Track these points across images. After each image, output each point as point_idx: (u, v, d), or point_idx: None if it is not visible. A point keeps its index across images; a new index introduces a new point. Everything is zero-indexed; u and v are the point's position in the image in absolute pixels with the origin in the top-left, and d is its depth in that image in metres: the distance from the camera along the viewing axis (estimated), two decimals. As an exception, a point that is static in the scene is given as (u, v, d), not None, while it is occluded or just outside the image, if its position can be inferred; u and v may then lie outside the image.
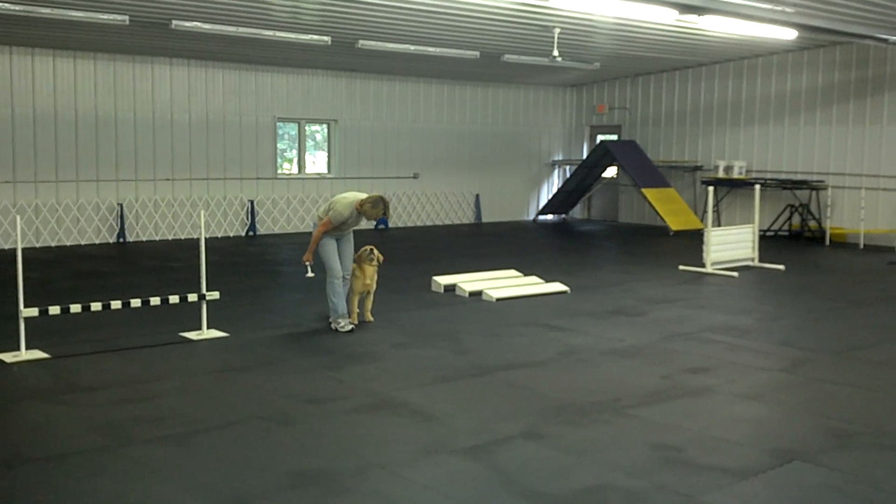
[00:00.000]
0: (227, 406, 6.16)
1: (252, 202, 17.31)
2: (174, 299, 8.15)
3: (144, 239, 16.11)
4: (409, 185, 19.42)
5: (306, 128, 18.53)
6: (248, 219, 17.32)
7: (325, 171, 18.72)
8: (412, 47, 14.93)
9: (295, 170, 18.49)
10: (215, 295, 8.35)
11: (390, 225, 18.95)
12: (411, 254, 14.92)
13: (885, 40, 13.69)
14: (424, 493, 4.67)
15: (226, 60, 16.64)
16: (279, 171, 18.02)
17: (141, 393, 6.43)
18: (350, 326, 8.55)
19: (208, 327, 8.31)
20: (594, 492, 4.70)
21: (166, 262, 13.40)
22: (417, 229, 18.94)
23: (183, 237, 16.38)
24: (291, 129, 18.39)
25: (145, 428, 5.65)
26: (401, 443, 5.44)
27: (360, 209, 8.37)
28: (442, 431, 5.67)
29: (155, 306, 8.06)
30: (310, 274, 8.86)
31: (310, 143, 18.94)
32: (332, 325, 8.55)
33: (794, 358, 7.73)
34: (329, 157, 18.71)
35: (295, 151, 18.56)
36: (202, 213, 8.66)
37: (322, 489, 4.68)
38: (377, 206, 8.37)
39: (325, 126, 18.66)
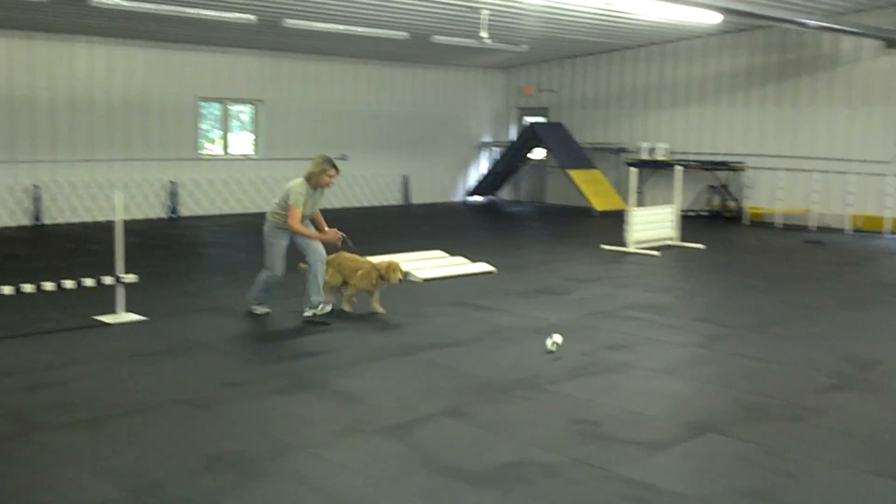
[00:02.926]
0: (143, 390, 6.03)
1: (174, 183, 16.95)
2: (89, 282, 7.93)
3: (62, 221, 15.63)
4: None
5: (231, 108, 18.19)
6: (169, 200, 16.95)
7: (251, 152, 18.41)
8: (340, 27, 14.75)
9: (219, 151, 18.15)
10: (132, 278, 8.14)
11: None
12: (338, 235, 14.78)
13: (804, 24, 14.03)
14: (343, 473, 4.64)
15: (147, 39, 16.19)
16: (202, 152, 17.66)
17: (52, 378, 6.25)
18: (264, 310, 8.34)
19: (125, 311, 8.11)
20: (513, 467, 4.73)
21: (84, 245, 13.04)
22: (345, 210, 18.78)
23: (102, 220, 15.93)
24: (215, 109, 18.03)
25: (56, 414, 5.49)
26: (320, 424, 5.40)
27: (308, 178, 7.99)
28: (363, 411, 5.64)
29: (70, 290, 7.83)
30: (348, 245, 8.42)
31: (235, 123, 18.60)
32: (311, 314, 8.08)
33: (710, 334, 7.91)
34: (255, 137, 18.40)
35: (219, 132, 18.20)
36: (118, 193, 8.41)
37: (238, 472, 4.62)
38: (320, 164, 7.98)
39: (250, 106, 18.33)
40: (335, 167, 8.07)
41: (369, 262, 8.55)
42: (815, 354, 7.23)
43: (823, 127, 16.66)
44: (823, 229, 16.16)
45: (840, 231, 15.95)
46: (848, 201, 15.99)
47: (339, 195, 19.34)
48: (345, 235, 8.24)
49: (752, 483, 4.59)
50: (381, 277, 8.32)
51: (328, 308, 8.15)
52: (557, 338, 7.14)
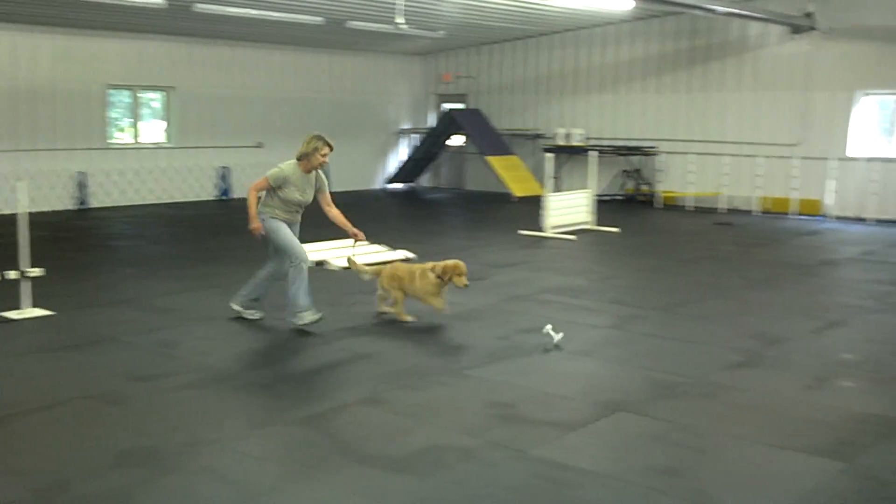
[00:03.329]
0: (50, 387, 5.84)
1: (82, 174, 16.44)
2: (-8, 277, 7.64)
3: (-36, 215, 15.01)
4: (253, 155, 18.91)
5: (141, 95, 17.71)
6: (78, 191, 16.44)
7: (163, 140, 17.97)
8: (253, 12, 14.48)
9: (130, 139, 17.66)
10: (38, 271, 7.88)
11: (233, 195, 18.47)
12: (255, 225, 14.58)
13: (713, 10, 14.36)
14: (258, 465, 4.59)
15: (52, 25, 15.61)
16: (111, 141, 17.17)
17: (-47, 377, 6.01)
18: (315, 317, 7.27)
19: (32, 306, 7.84)
20: (430, 452, 4.75)
21: (-12, 239, 12.54)
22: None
23: (7, 212, 15.35)
24: (125, 96, 17.53)
25: (-44, 414, 5.28)
26: (235, 416, 5.32)
27: (300, 158, 7.33)
28: (278, 402, 5.58)
29: (-30, 285, 7.54)
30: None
31: (146, 111, 18.12)
32: (294, 322, 7.31)
33: (624, 315, 8.07)
34: (167, 125, 17.97)
35: (129, 120, 17.70)
36: (21, 184, 8.09)
37: (150, 468, 4.52)
38: (310, 142, 7.29)
39: (161, 93, 17.88)
40: (328, 144, 7.34)
41: (420, 266, 7.75)
42: (725, 333, 7.45)
43: (732, 111, 17.12)
44: (733, 211, 16.63)
45: (749, 213, 16.44)
46: (756, 184, 16.48)
47: (256, 184, 19.03)
48: (259, 232, 7.38)
49: (663, 459, 4.70)
50: (440, 278, 7.52)
51: (315, 317, 7.29)
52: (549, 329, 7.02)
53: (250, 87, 18.87)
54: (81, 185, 16.43)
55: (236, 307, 7.80)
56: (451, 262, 7.62)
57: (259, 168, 18.88)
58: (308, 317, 7.27)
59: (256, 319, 7.73)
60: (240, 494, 4.23)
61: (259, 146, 19.00)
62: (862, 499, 4.23)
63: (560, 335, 6.96)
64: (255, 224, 7.35)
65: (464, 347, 6.94)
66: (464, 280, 7.53)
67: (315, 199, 7.71)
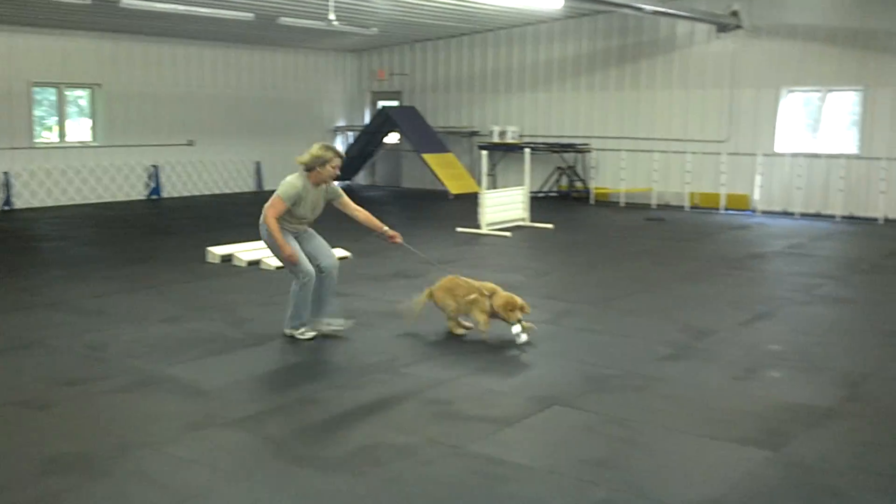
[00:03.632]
0: (-27, 394, 5.67)
1: (6, 174, 15.96)
2: None
3: None
4: (183, 153, 18.62)
5: (67, 93, 17.26)
6: (2, 192, 15.95)
7: (90, 139, 17.55)
8: (181, 7, 14.22)
9: (55, 138, 17.20)
10: (-41, 275, 7.64)
11: (163, 195, 18.15)
12: (186, 224, 14.37)
13: (641, 9, 14.60)
14: (190, 468, 4.52)
15: (-31, 19, 15.16)
16: (37, 140, 16.70)
17: None
18: (311, 334, 6.98)
19: (-47, 310, 7.61)
20: (366, 451, 4.74)
21: None
22: (193, 198, 18.25)
23: (-73, 214, 14.87)
24: (50, 94, 17.07)
25: None
26: (167, 419, 5.23)
27: (308, 170, 6.79)
28: (212, 405, 5.51)
29: None
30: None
31: (73, 109, 17.67)
32: (290, 332, 6.99)
33: (558, 310, 8.16)
34: (93, 124, 17.55)
35: (55, 119, 17.25)
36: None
37: (79, 473, 4.42)
38: (319, 153, 6.72)
39: (88, 91, 17.45)
40: (339, 155, 6.81)
41: (478, 285, 7.12)
42: (656, 326, 7.59)
43: (662, 109, 17.43)
44: (664, 207, 16.94)
45: (680, 208, 16.77)
46: (686, 179, 16.81)
47: (188, 182, 18.77)
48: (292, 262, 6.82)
49: (595, 451, 4.78)
50: (494, 313, 6.92)
51: (310, 335, 6.98)
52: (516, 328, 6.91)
53: (180, 85, 18.56)
54: (6, 186, 15.95)
55: (320, 328, 7.07)
56: (504, 296, 6.93)
57: (190, 167, 18.65)
58: (302, 332, 6.96)
59: (342, 329, 7.12)
60: (172, 498, 4.16)
61: (190, 144, 18.71)
62: (789, 486, 4.35)
63: (524, 336, 6.89)
64: (288, 251, 6.71)
65: (400, 345, 6.93)
66: (517, 315, 6.83)
67: (334, 207, 7.17)
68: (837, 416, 5.36)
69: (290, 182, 6.74)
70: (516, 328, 6.89)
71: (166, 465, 4.55)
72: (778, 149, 16.19)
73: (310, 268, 6.87)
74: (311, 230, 7.16)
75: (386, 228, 7.14)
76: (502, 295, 6.94)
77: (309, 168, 6.79)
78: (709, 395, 5.75)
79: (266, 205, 6.75)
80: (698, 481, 4.40)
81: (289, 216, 6.85)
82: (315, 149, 6.79)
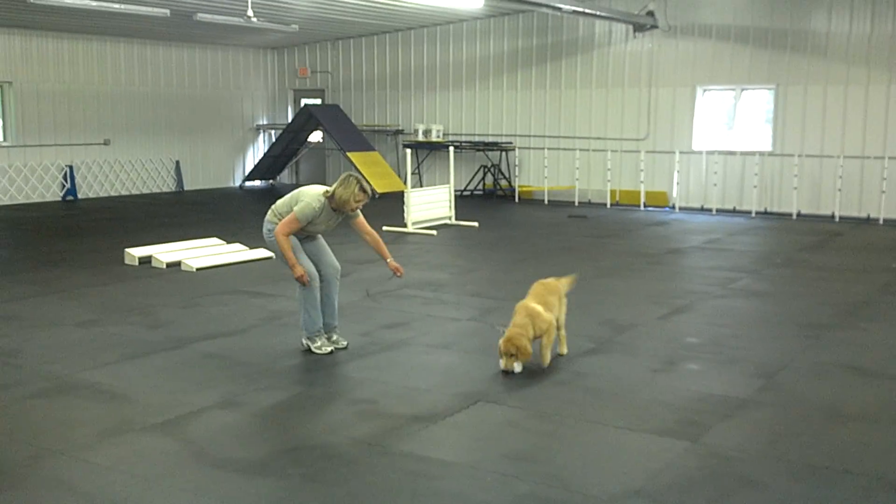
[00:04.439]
0: None
1: (-89, 175, 15.32)
2: None
3: None
4: (99, 153, 18.14)
5: (-25, 91, 16.67)
6: None
7: (0, 138, 16.95)
8: (92, 3, 13.80)
9: (-37, 138, 16.60)
10: None
11: (79, 196, 17.65)
12: (103, 225, 14.00)
13: (559, 9, 14.77)
14: (108, 475, 4.41)
15: None
16: (-56, 140, 16.09)
17: None
18: (329, 348, 6.68)
19: None
20: (290, 453, 4.69)
21: None
22: (110, 199, 17.80)
23: None
24: (-43, 92, 16.45)
25: None
26: (83, 425, 5.09)
27: (330, 197, 6.50)
28: (130, 410, 5.38)
29: None
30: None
31: (-19, 108, 17.06)
32: (306, 344, 6.71)
33: (482, 307, 8.22)
34: (3, 123, 16.95)
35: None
36: None
37: (-11, 484, 4.27)
38: (348, 186, 6.42)
39: (-3, 89, 16.88)
40: (365, 191, 6.52)
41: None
42: (578, 321, 7.66)
43: (582, 108, 17.69)
44: (586, 204, 17.19)
45: (602, 205, 17.04)
46: (607, 177, 17.09)
47: (105, 183, 18.29)
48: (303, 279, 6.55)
49: (519, 446, 4.82)
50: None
51: (328, 349, 6.69)
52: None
53: (95, 82, 18.06)
54: None
55: (324, 344, 6.76)
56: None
57: (106, 167, 18.18)
58: (318, 346, 6.68)
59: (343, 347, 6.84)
60: (89, 507, 4.06)
61: (106, 143, 18.24)
62: (707, 475, 4.46)
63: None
64: (299, 271, 6.48)
65: (324, 345, 6.88)
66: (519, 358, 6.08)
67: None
68: (753, 407, 5.52)
69: (309, 203, 6.47)
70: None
71: (83, 473, 4.42)
72: (695, 146, 16.59)
73: (312, 270, 6.67)
74: (320, 239, 6.94)
75: (390, 259, 6.93)
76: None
77: (332, 196, 6.53)
78: (629, 388, 5.86)
79: (280, 222, 6.49)
80: (620, 473, 4.48)
81: (300, 228, 6.60)
82: (346, 182, 6.48)
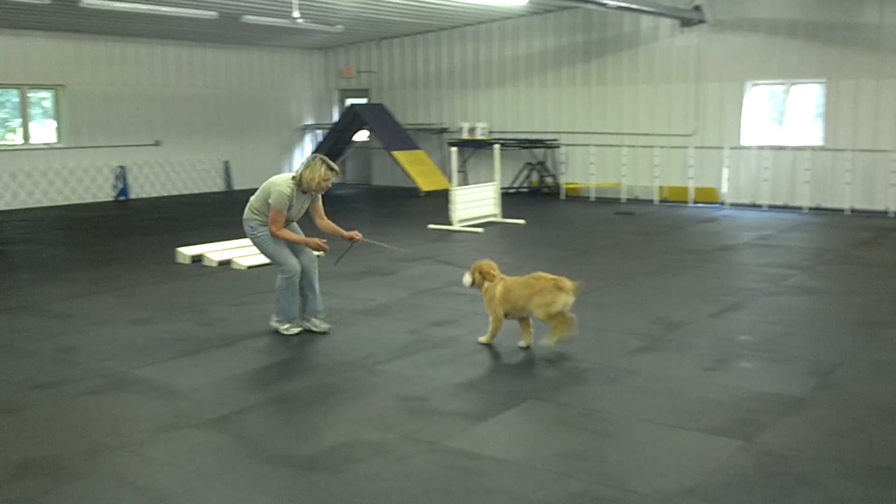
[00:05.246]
0: (-60, 400, 5.59)
1: (-30, 177, 15.73)
2: None
3: None
4: (150, 154, 18.44)
5: (30, 95, 17.02)
6: (-34, 195, 15.73)
7: (55, 140, 17.32)
8: (143, 6, 14.06)
9: (20, 140, 16.95)
10: (-77, 280, 7.51)
11: (131, 196, 17.96)
12: (155, 225, 14.23)
13: (605, 4, 14.66)
14: (164, 470, 4.49)
15: (-72, 20, 14.90)
16: (1, 143, 16.45)
17: None
18: (296, 330, 7.13)
19: (-83, 316, 7.48)
20: (342, 448, 4.73)
21: None
22: (162, 199, 18.08)
23: None
24: (13, 96, 16.82)
25: None
26: (139, 421, 5.18)
27: (299, 181, 6.87)
28: (184, 406, 5.46)
29: None
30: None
31: (37, 110, 17.42)
32: (274, 326, 7.17)
33: (531, 305, 8.18)
34: (57, 125, 17.32)
35: (19, 120, 16.99)
36: None
37: (51, 477, 4.37)
38: (314, 167, 6.81)
39: (51, 92, 17.22)
40: (333, 169, 6.93)
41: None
42: (627, 319, 7.64)
43: (628, 103, 17.54)
44: (633, 201, 17.05)
45: (649, 202, 16.88)
46: (655, 173, 16.93)
47: (156, 183, 18.59)
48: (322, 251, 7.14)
49: (570, 444, 4.80)
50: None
51: (295, 331, 7.15)
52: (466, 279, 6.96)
53: (145, 85, 18.36)
54: (-32, 189, 15.71)
55: (306, 326, 7.24)
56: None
57: (157, 167, 18.47)
58: (287, 328, 7.12)
59: (326, 330, 7.21)
60: (147, 499, 4.13)
61: (157, 145, 18.53)
62: (762, 475, 4.40)
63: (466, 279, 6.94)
64: (315, 242, 7.05)
65: (375, 342, 6.92)
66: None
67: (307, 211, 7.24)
68: (808, 405, 5.43)
69: (281, 192, 6.84)
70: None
71: (140, 467, 4.51)
72: (744, 142, 16.35)
73: (294, 263, 7.01)
74: (294, 225, 7.24)
75: (343, 231, 7.24)
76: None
77: (300, 179, 6.89)
78: (681, 386, 5.80)
79: (269, 224, 6.92)
80: (673, 471, 4.44)
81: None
82: (311, 163, 6.89)
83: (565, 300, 6.45)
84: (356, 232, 7.35)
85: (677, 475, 4.38)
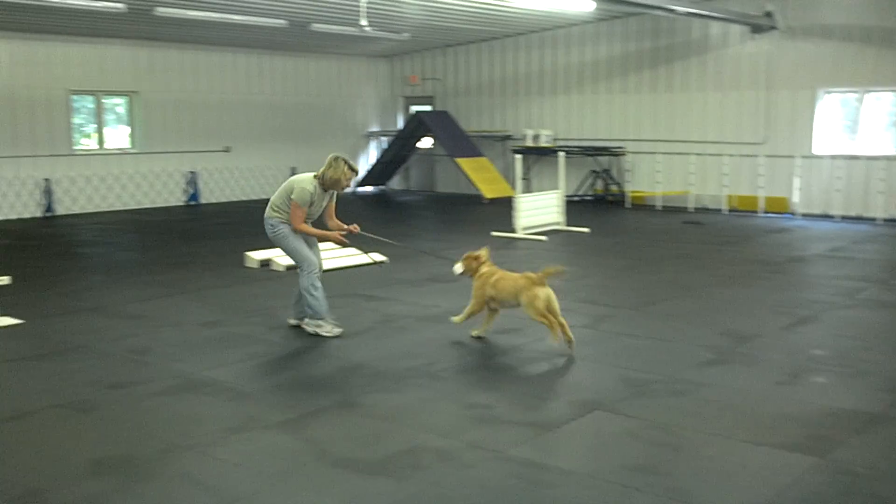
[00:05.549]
0: (20, 396, 5.76)
1: (48, 181, 16.22)
2: (-44, 287, 7.54)
3: (-75, 224, 14.77)
4: (220, 159, 18.81)
5: (105, 101, 17.50)
6: (44, 198, 16.22)
7: (128, 145, 17.79)
8: (214, 15, 14.37)
9: (95, 145, 17.45)
10: (5, 280, 7.77)
11: (201, 200, 18.33)
12: (224, 229, 14.49)
13: (673, 11, 14.50)
14: (235, 471, 4.55)
15: (11, 30, 15.41)
16: (77, 147, 16.96)
17: (-81, 389, 5.90)
18: (338, 330, 7.30)
19: (0, 315, 7.74)
20: (407, 455, 4.74)
21: (-49, 248, 12.36)
22: (231, 204, 18.41)
23: (-30, 221, 15.13)
24: (88, 102, 17.32)
25: (-76, 426, 5.19)
26: (210, 422, 5.28)
27: (321, 179, 7.17)
28: (254, 408, 5.54)
29: (-66, 295, 7.42)
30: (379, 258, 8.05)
31: (111, 116, 17.92)
32: (313, 329, 7.30)
33: (596, 314, 8.11)
34: (131, 131, 17.78)
35: (94, 126, 17.49)
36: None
37: (125, 475, 4.47)
38: (337, 166, 7.10)
39: (125, 98, 17.69)
40: (354, 169, 7.21)
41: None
42: (696, 331, 7.51)
43: (697, 111, 17.29)
44: (701, 210, 16.79)
45: (717, 211, 16.61)
46: (723, 182, 16.65)
47: (225, 188, 18.94)
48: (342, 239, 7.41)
49: (638, 457, 4.73)
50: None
51: (336, 332, 7.31)
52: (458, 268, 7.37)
53: (215, 91, 18.74)
54: (47, 193, 16.22)
55: (300, 323, 7.52)
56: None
57: (227, 173, 18.81)
58: (328, 329, 7.29)
59: (329, 334, 7.33)
60: (217, 500, 4.20)
61: (226, 151, 18.89)
62: (837, 493, 4.28)
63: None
64: (335, 235, 7.35)
65: (439, 350, 6.93)
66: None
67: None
68: (884, 422, 5.27)
69: (304, 188, 7.12)
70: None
71: (211, 468, 4.58)
72: (816, 151, 15.98)
73: (314, 259, 7.30)
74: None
75: (343, 226, 7.47)
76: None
77: (327, 181, 7.20)
78: (752, 401, 5.68)
79: (292, 220, 7.18)
80: (745, 487, 4.34)
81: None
82: (333, 163, 7.18)
83: (546, 293, 6.79)
84: (355, 225, 7.58)
85: (749, 492, 4.29)
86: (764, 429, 5.14)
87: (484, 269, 7.25)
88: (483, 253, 7.38)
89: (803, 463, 4.63)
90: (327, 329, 7.27)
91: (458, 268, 7.40)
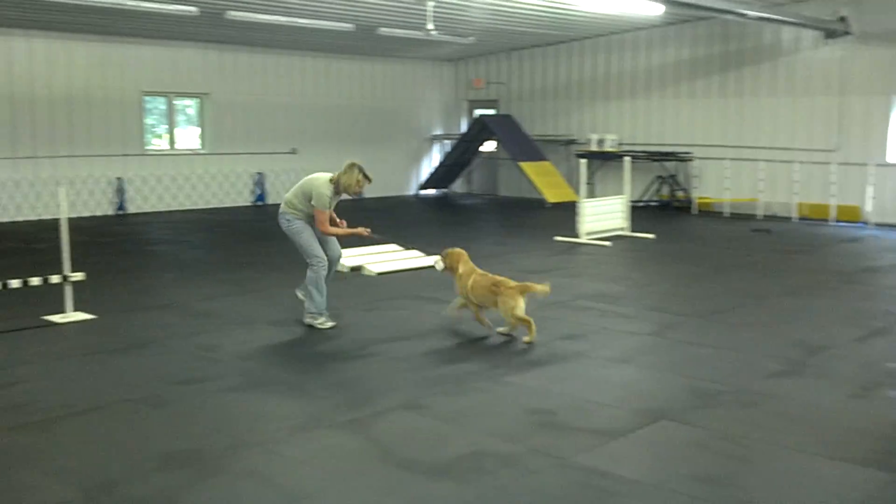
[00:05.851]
0: (94, 390, 5.92)
1: (120, 179, 16.65)
2: (35, 281, 7.77)
3: (6, 220, 15.28)
4: (287, 161, 19.07)
5: (176, 102, 17.91)
6: (116, 197, 16.66)
7: (198, 146, 18.17)
8: (283, 19, 14.59)
9: (166, 146, 17.86)
10: (80, 276, 7.99)
11: (268, 201, 18.61)
12: (289, 230, 14.67)
13: (744, 15, 14.25)
14: (301, 469, 4.61)
15: (87, 32, 15.87)
16: (148, 147, 17.38)
17: (1, 380, 6.10)
18: (330, 324, 7.69)
19: (74, 310, 7.95)
20: (470, 458, 4.75)
21: (29, 244, 12.76)
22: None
23: (47, 217, 15.59)
24: (160, 103, 17.74)
25: (6, 416, 5.36)
26: (277, 420, 5.35)
27: (336, 182, 7.48)
28: (320, 407, 5.61)
29: (16, 289, 7.67)
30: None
31: (182, 117, 18.32)
32: (309, 321, 7.72)
33: (662, 322, 8.01)
34: (202, 132, 18.16)
35: (165, 127, 17.91)
36: (62, 189, 8.23)
37: (193, 470, 4.56)
38: (352, 173, 7.42)
39: (196, 100, 18.07)
40: (367, 177, 7.55)
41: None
42: (765, 341, 7.37)
43: (767, 116, 16.96)
44: (770, 218, 16.46)
45: (787, 219, 16.26)
46: (793, 190, 16.29)
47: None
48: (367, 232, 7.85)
49: (706, 468, 4.66)
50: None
51: (329, 324, 7.71)
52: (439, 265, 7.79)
53: (283, 94, 19.02)
54: (120, 191, 16.65)
55: (328, 320, 7.81)
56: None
57: (293, 174, 19.07)
58: (322, 322, 7.69)
59: (325, 327, 7.71)
60: (283, 497, 4.25)
61: (293, 152, 19.14)
62: (912, 510, 4.16)
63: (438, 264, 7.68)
64: (360, 230, 7.75)
65: (502, 353, 6.93)
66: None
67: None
68: (964, 440, 5.09)
69: (322, 193, 7.44)
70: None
71: (278, 465, 4.65)
72: (890, 159, 15.54)
73: (323, 255, 7.67)
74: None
75: (349, 231, 7.76)
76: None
77: (337, 182, 7.53)
78: (824, 414, 5.54)
79: (317, 224, 7.59)
80: (816, 502, 4.24)
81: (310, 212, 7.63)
82: (349, 170, 7.49)
83: (524, 303, 7.28)
84: (344, 221, 7.91)
85: (821, 507, 4.19)
86: (836, 443, 5.02)
87: (461, 268, 7.63)
88: (453, 252, 7.75)
89: (877, 478, 4.50)
90: (321, 322, 7.68)
91: (440, 265, 7.76)
